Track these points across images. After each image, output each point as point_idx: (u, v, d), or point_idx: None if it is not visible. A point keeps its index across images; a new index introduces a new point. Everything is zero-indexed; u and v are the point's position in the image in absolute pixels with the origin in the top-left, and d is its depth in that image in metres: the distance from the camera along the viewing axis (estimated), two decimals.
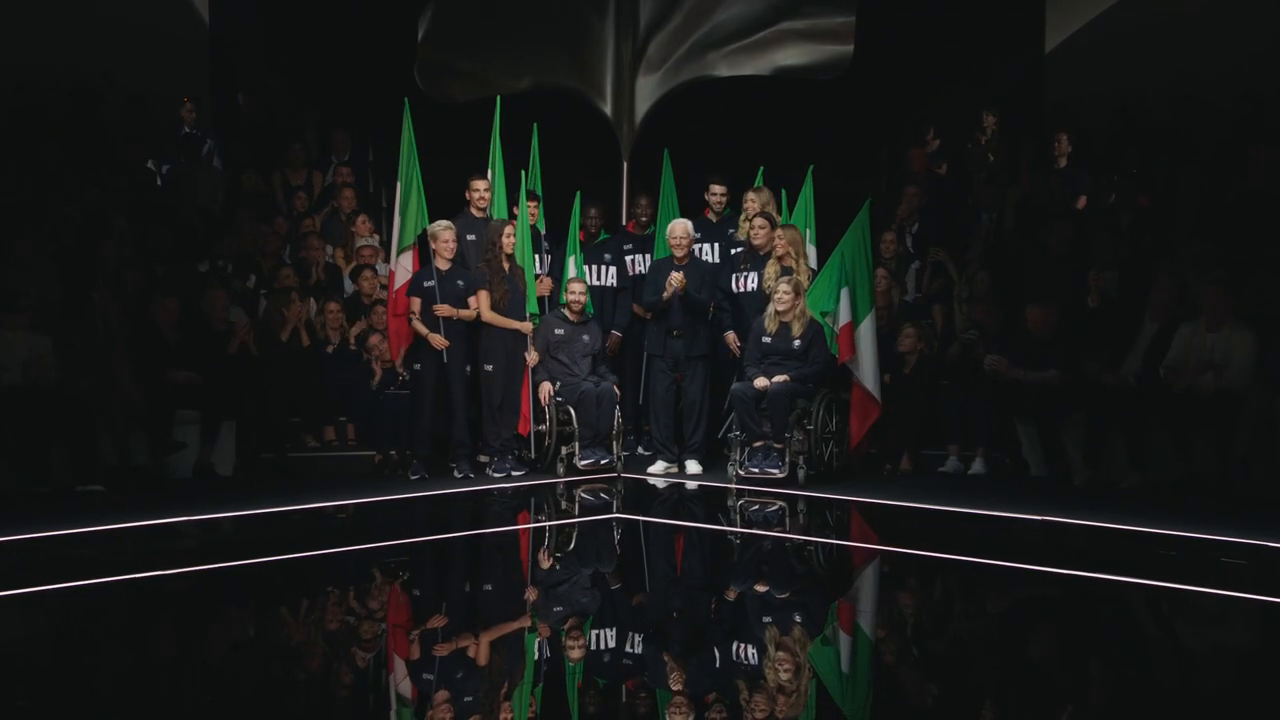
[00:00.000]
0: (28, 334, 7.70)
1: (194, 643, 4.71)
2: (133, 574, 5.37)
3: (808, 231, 8.63)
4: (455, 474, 8.14)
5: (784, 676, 4.20)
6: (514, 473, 8.16)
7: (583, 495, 7.70)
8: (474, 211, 8.59)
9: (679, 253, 8.47)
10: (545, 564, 6.14)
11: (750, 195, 8.74)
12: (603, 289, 9.01)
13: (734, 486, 7.81)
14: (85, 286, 8.28)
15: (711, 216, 9.06)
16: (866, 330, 8.23)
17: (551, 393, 8.25)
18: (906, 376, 8.61)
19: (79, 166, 9.51)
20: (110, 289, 8.30)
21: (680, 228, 8.52)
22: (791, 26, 9.77)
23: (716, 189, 9.04)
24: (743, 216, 8.77)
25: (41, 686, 4.08)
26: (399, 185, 8.50)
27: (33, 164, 9.34)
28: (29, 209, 8.90)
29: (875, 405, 8.25)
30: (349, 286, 9.63)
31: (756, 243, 8.46)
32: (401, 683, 4.20)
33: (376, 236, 9.94)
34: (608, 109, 10.00)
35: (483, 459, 8.33)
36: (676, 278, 8.27)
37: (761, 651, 4.53)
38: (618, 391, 8.35)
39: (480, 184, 8.58)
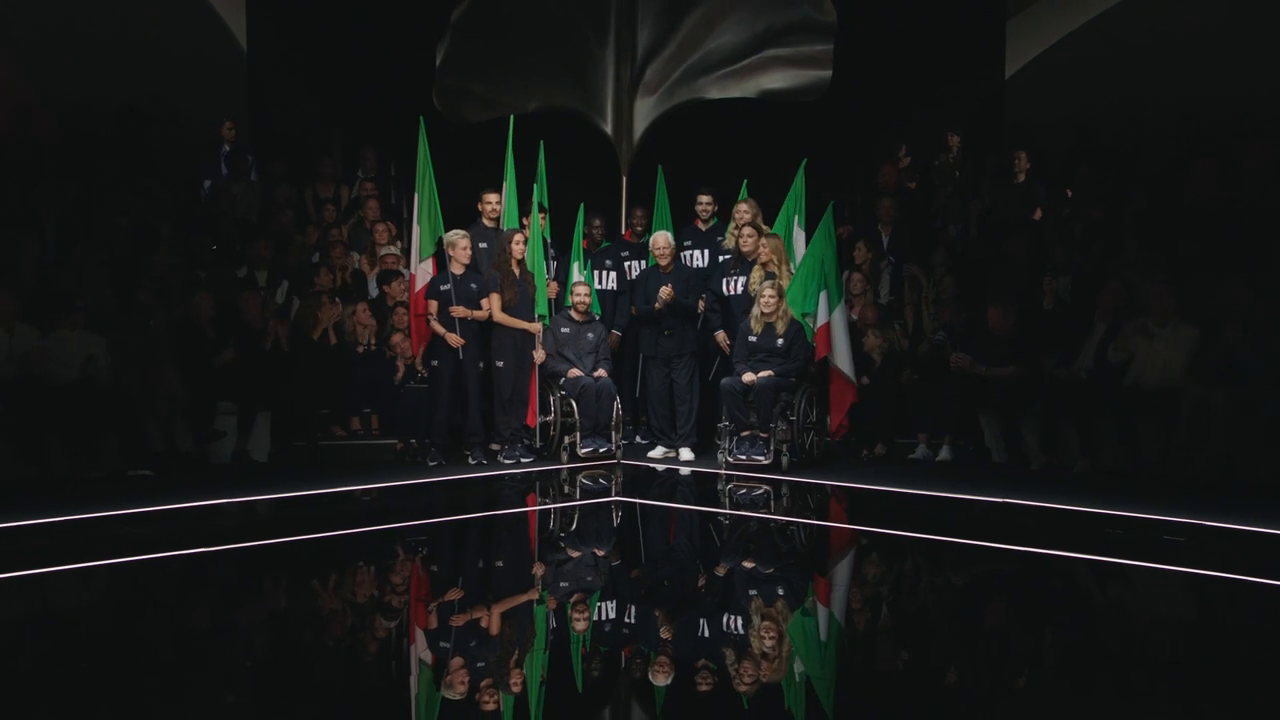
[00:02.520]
0: (82, 333, 7.71)
1: (234, 613, 4.73)
2: (179, 550, 5.40)
3: (796, 218, 8.63)
4: (469, 460, 8.16)
5: (767, 644, 4.23)
6: (523, 459, 8.18)
7: (584, 480, 7.72)
8: (485, 222, 8.61)
9: (663, 261, 8.57)
10: (551, 542, 6.16)
11: (742, 206, 8.75)
12: (604, 292, 9.03)
13: (723, 472, 7.84)
14: (134, 290, 8.30)
15: (700, 225, 9.08)
16: (838, 319, 8.28)
17: (577, 373, 8.28)
18: (875, 372, 8.65)
19: (129, 181, 9.53)
20: (156, 292, 8.32)
21: (661, 238, 8.62)
22: (775, 54, 9.77)
23: (703, 199, 9.08)
24: (731, 225, 8.78)
25: (99, 652, 4.11)
26: (417, 198, 8.53)
27: (87, 178, 9.35)
28: (84, 219, 8.92)
29: (851, 388, 8.29)
30: (373, 290, 9.64)
31: (745, 249, 8.48)
32: (422, 650, 4.22)
33: (398, 244, 9.95)
34: (608, 128, 9.99)
35: (494, 447, 8.34)
36: (666, 291, 8.36)
37: (747, 621, 4.56)
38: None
39: (491, 197, 8.61)
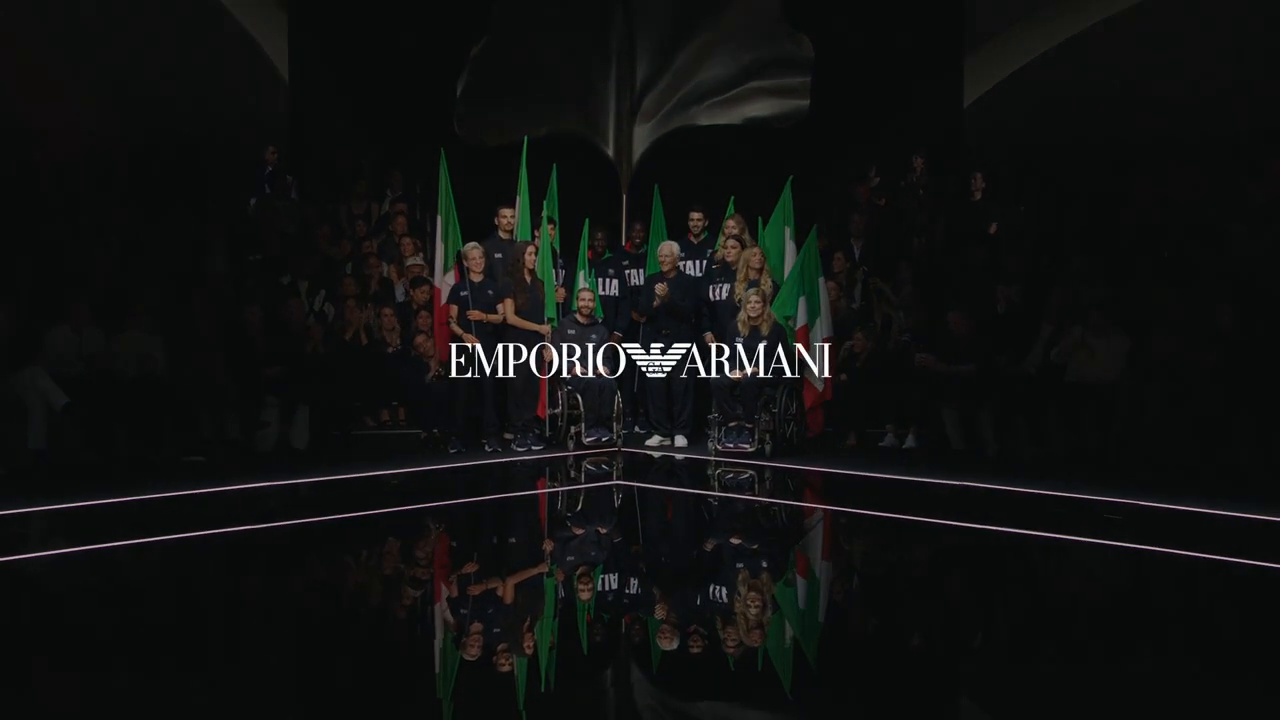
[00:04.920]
0: (144, 334, 7.74)
1: (277, 583, 4.76)
2: (227, 528, 5.43)
3: (786, 229, 8.64)
4: (485, 449, 8.17)
5: (752, 611, 4.25)
6: (533, 447, 8.20)
7: (588, 466, 7.74)
8: (500, 234, 8.63)
9: (666, 267, 8.58)
10: (559, 521, 6.18)
11: (732, 221, 8.77)
12: (606, 298, 9.05)
13: (713, 459, 7.86)
14: (189, 296, 8.32)
15: (692, 239, 9.10)
16: (816, 333, 8.31)
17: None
18: (856, 370, 8.67)
19: (184, 200, 9.55)
20: (208, 298, 8.34)
21: (666, 248, 8.64)
22: (759, 85, 9.79)
23: (695, 215, 9.09)
24: (721, 238, 8.79)
25: (155, 619, 4.14)
26: (440, 218, 8.57)
27: (147, 197, 9.37)
28: (145, 234, 8.94)
29: (816, 391, 8.33)
30: (401, 295, 9.65)
31: (729, 260, 8.51)
32: (444, 615, 4.25)
33: (420, 254, 9.96)
34: (610, 151, 10.02)
35: (508, 436, 8.36)
36: (661, 289, 8.38)
37: (733, 591, 4.59)
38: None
39: (506, 211, 8.63)
